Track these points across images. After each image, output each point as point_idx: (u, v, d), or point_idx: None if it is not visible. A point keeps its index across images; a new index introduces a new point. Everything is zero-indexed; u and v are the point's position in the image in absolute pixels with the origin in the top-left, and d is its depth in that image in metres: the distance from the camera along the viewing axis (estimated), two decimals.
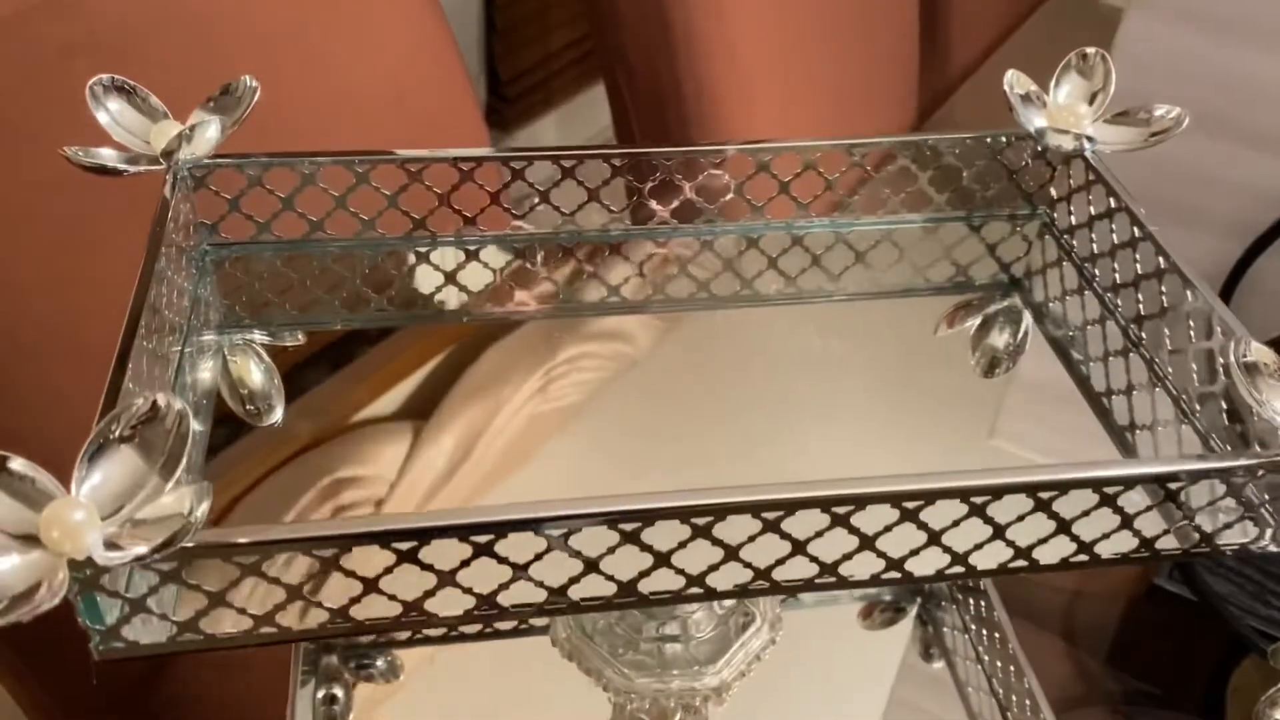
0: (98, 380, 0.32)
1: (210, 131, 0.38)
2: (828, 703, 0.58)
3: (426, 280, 0.44)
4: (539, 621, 0.51)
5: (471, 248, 0.44)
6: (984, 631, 0.57)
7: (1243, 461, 0.31)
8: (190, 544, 0.26)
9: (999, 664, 0.55)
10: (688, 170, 0.43)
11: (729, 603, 0.44)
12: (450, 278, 0.44)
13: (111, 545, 0.25)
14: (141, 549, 0.25)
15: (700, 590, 0.30)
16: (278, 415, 0.44)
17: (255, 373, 0.44)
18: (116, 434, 0.27)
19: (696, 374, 0.48)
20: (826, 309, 0.47)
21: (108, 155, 0.37)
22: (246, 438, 0.45)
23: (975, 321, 0.48)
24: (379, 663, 0.56)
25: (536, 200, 0.43)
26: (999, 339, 0.48)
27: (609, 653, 0.43)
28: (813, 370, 0.48)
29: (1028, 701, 0.53)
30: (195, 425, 0.39)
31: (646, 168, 0.42)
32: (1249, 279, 0.63)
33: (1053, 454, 0.46)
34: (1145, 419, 0.40)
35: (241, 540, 0.27)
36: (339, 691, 0.54)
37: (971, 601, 0.57)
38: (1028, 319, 0.47)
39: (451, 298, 0.45)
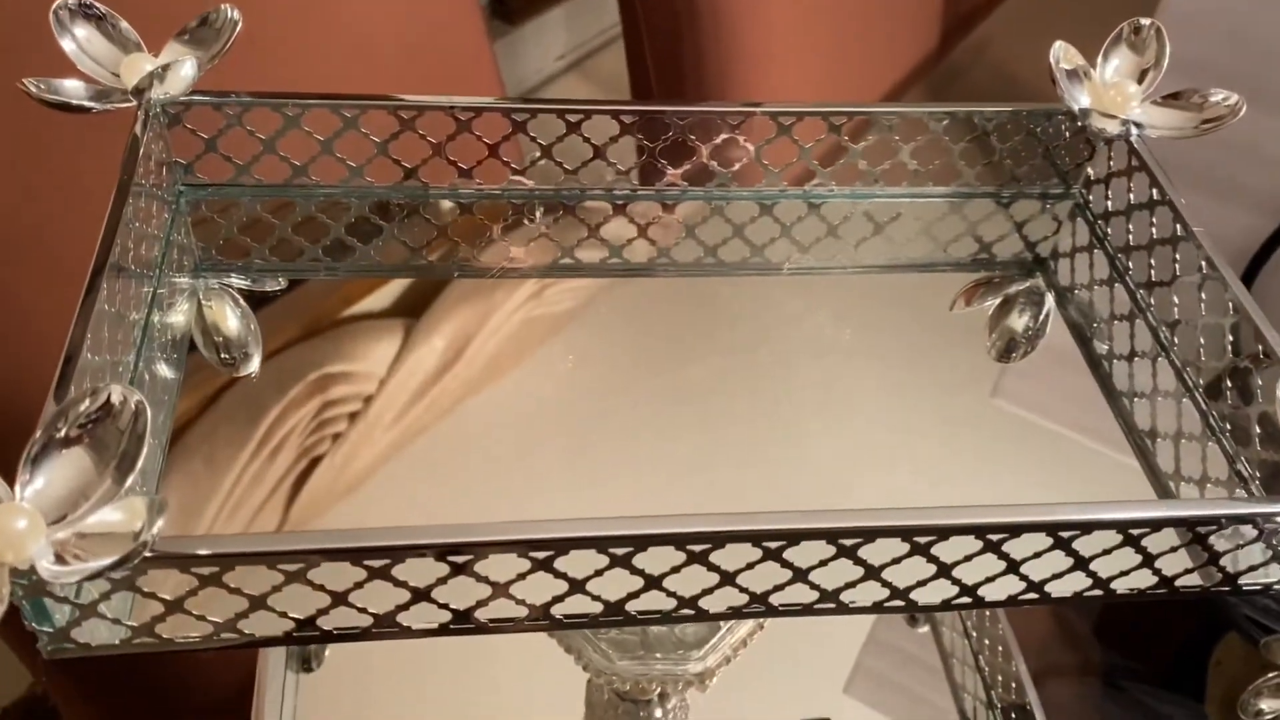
0: (68, 294, 0.30)
1: (185, 70, 0.34)
2: (797, 670, 0.57)
3: (418, 232, 0.41)
4: None
5: (466, 201, 0.41)
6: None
7: (1273, 508, 0.29)
8: (148, 553, 0.24)
9: (987, 641, 0.54)
10: (701, 131, 0.40)
11: None
12: (444, 231, 0.41)
13: (60, 556, 0.23)
14: (90, 566, 0.23)
15: (691, 612, 0.29)
16: (254, 365, 0.41)
17: (231, 319, 0.42)
18: (64, 433, 0.24)
19: (692, 285, 0.45)
20: (840, 279, 0.45)
21: (73, 90, 0.34)
22: None
23: (995, 301, 0.45)
24: None
25: (539, 154, 0.40)
26: (1018, 321, 0.45)
27: (591, 631, 0.42)
28: (819, 330, 0.46)
29: (1014, 684, 0.52)
30: (169, 373, 0.38)
31: (658, 126, 0.39)
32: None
33: (1054, 417, 0.44)
34: (1169, 428, 0.38)
35: (201, 552, 0.25)
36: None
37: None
38: (1050, 302, 0.45)
39: (444, 251, 0.42)
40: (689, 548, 0.27)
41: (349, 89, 0.38)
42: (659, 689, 0.43)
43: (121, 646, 0.27)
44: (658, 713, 0.45)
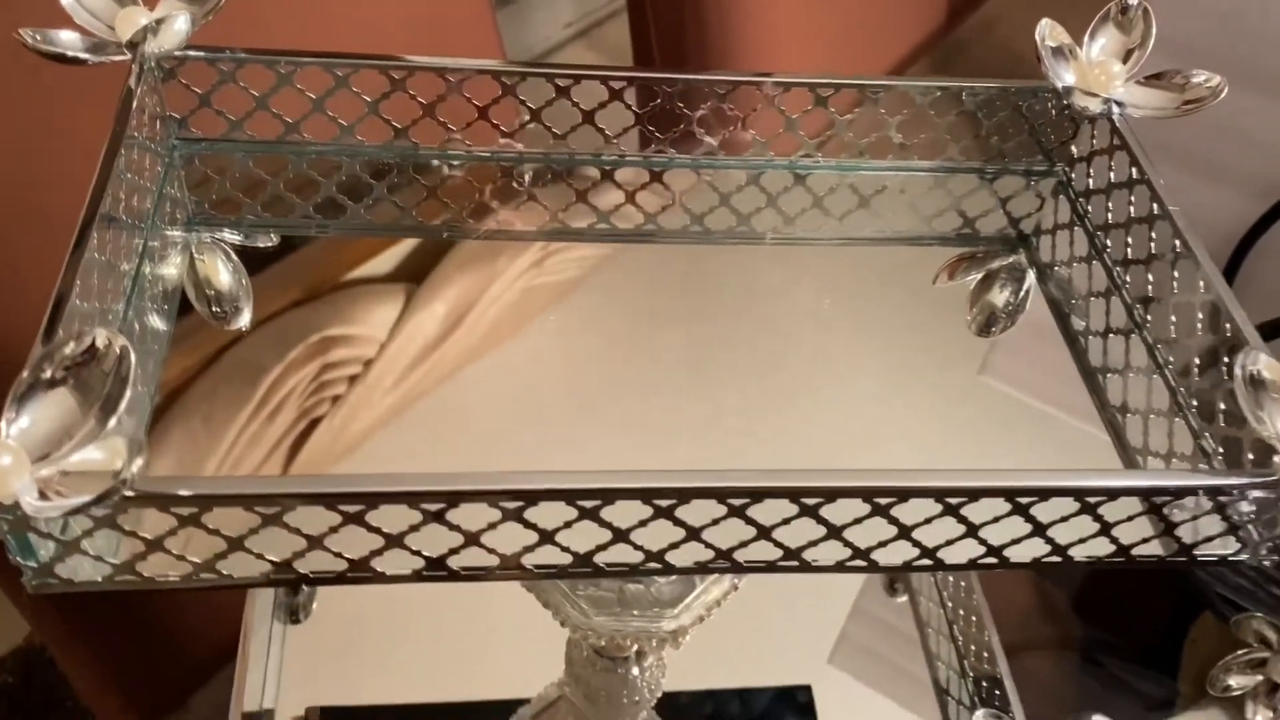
0: (63, 242, 0.31)
1: (179, 24, 0.35)
2: (780, 639, 0.58)
3: (408, 193, 0.42)
4: None
5: (456, 163, 0.41)
6: (950, 578, 0.57)
7: (1234, 480, 0.29)
8: (130, 493, 0.25)
9: (962, 611, 0.55)
10: (689, 99, 0.40)
11: None
12: (433, 192, 0.42)
13: (43, 493, 0.24)
14: (72, 501, 0.24)
15: (658, 565, 0.30)
16: (245, 319, 0.42)
17: (223, 273, 0.42)
18: (49, 375, 0.25)
19: (691, 254, 0.46)
20: (825, 250, 0.45)
21: (68, 41, 0.35)
22: None
23: (977, 275, 0.46)
24: None
25: (528, 118, 0.40)
26: (999, 296, 0.46)
27: (568, 587, 0.42)
28: (810, 298, 0.46)
29: (985, 654, 0.53)
30: (160, 325, 0.39)
31: (648, 94, 0.40)
32: (1267, 240, 0.61)
33: (1041, 395, 0.45)
34: (1139, 404, 0.38)
35: (181, 493, 0.26)
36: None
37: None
38: (1031, 278, 0.45)
39: (434, 212, 0.42)
40: (655, 502, 0.28)
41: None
42: (635, 646, 0.44)
43: (104, 584, 0.28)
44: (635, 670, 0.46)
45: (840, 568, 0.30)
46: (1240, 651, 0.57)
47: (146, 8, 0.36)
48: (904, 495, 0.28)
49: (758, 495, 0.28)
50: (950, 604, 0.56)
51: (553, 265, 0.46)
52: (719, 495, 0.28)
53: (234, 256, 0.42)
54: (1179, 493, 0.29)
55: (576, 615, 0.42)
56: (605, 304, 0.45)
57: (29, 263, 0.49)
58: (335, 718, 0.53)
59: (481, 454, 0.40)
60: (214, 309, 0.42)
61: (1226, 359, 0.34)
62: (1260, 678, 0.57)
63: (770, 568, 0.30)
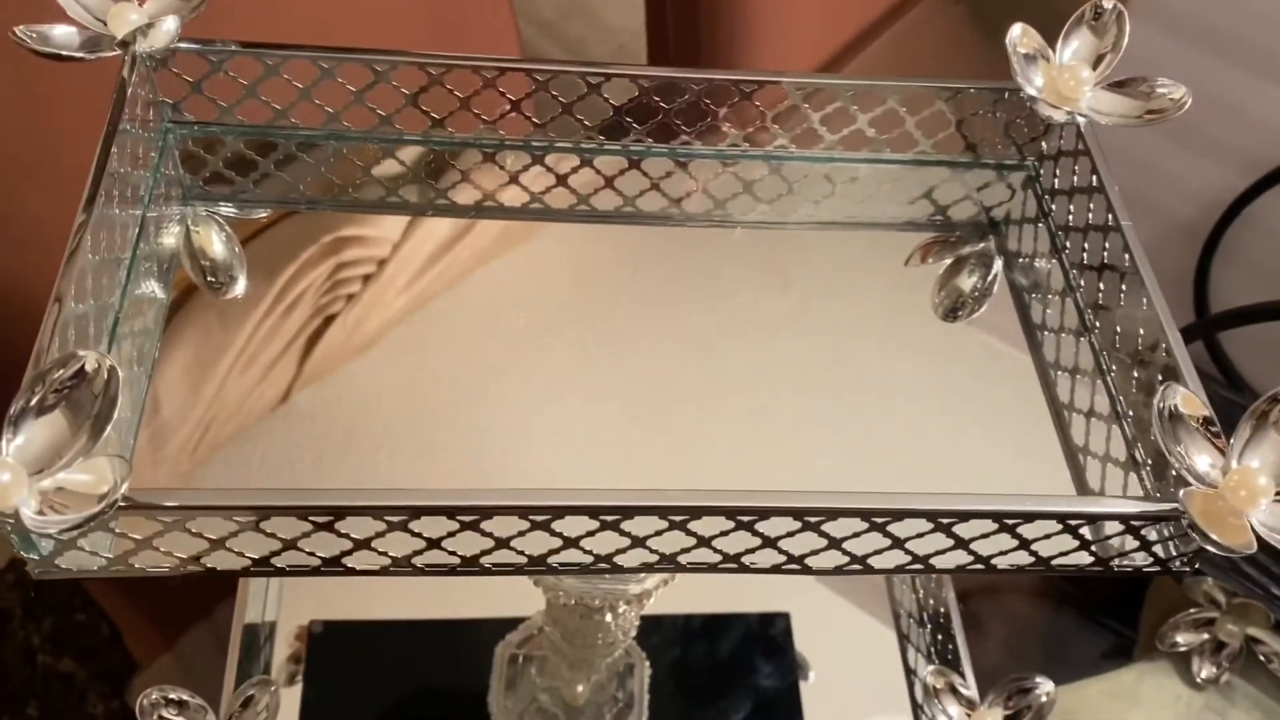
0: (69, 201, 0.33)
1: (168, 25, 0.36)
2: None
3: (392, 174, 0.44)
4: None
5: (438, 149, 0.43)
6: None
7: (1143, 508, 0.32)
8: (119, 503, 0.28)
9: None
10: (666, 93, 0.41)
11: None
12: (416, 174, 0.43)
13: (40, 509, 0.27)
14: (68, 519, 0.26)
15: (607, 566, 0.32)
16: (239, 288, 0.44)
17: (217, 243, 0.44)
18: (42, 398, 0.27)
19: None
20: (797, 234, 0.47)
21: (63, 39, 0.36)
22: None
23: (949, 259, 0.47)
24: None
25: (508, 108, 0.41)
26: (966, 281, 0.47)
27: None
28: (782, 286, 0.48)
29: (942, 609, 0.56)
30: (159, 293, 0.41)
31: (624, 86, 0.41)
32: (1254, 212, 0.62)
33: (1016, 344, 0.45)
34: (1082, 403, 0.40)
35: (167, 504, 0.28)
36: None
37: None
38: (998, 265, 0.47)
39: (414, 193, 0.44)
40: (602, 518, 0.30)
41: (363, 40, 0.40)
42: (604, 606, 0.47)
43: (99, 572, 0.31)
44: (608, 617, 0.49)
45: (776, 570, 0.33)
46: (1190, 610, 0.60)
47: (137, 3, 0.37)
48: (834, 514, 0.31)
49: (696, 513, 0.30)
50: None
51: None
52: (661, 512, 0.30)
53: (227, 227, 0.44)
54: (1092, 518, 0.31)
55: (547, 577, 0.45)
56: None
57: (46, 220, 0.51)
58: (335, 631, 0.57)
59: (490, 358, 0.41)
60: (209, 279, 0.44)
61: (1160, 376, 0.36)
62: (1207, 636, 0.60)
63: (711, 569, 0.33)
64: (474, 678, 0.56)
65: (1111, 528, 0.33)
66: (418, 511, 0.29)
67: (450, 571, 0.32)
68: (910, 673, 0.57)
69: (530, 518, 0.30)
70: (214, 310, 0.42)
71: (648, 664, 0.56)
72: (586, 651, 0.52)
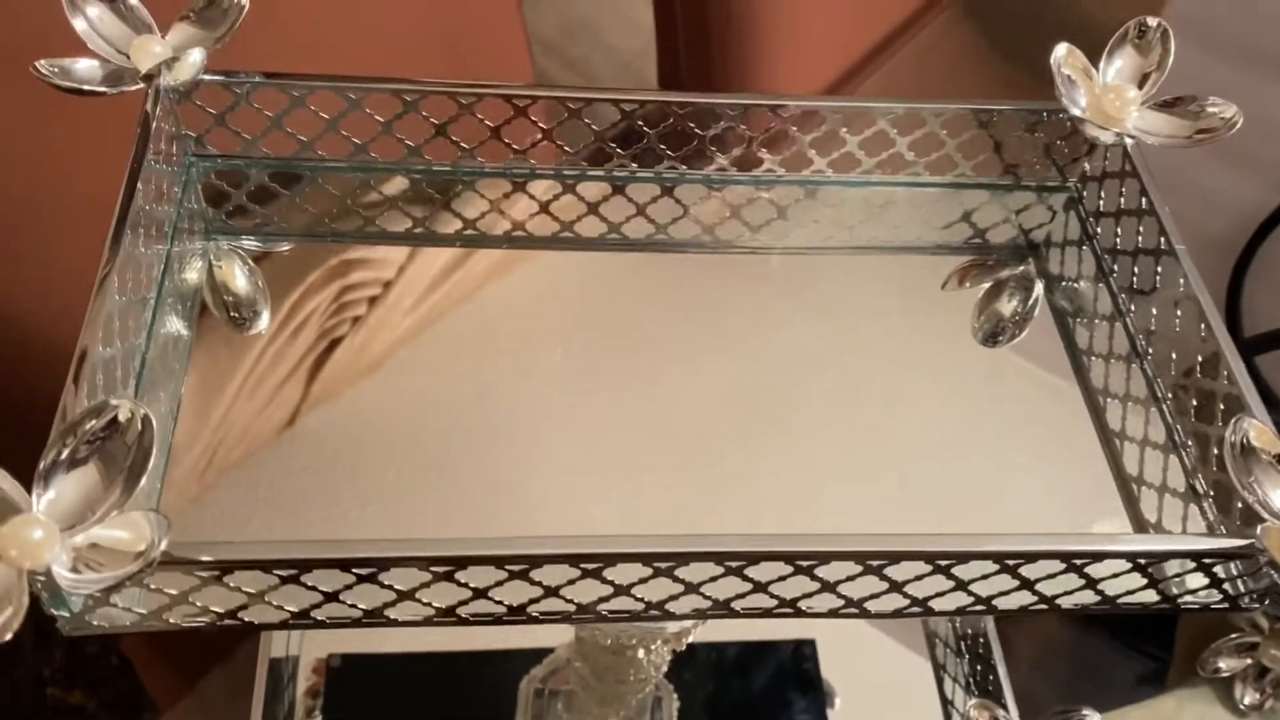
0: (94, 234, 0.32)
1: (193, 58, 0.35)
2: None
3: (420, 205, 0.43)
4: None
5: (467, 179, 0.42)
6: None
7: (1216, 545, 0.30)
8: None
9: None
10: (700, 119, 0.40)
11: None
12: (445, 204, 0.42)
13: (73, 565, 0.26)
14: (104, 577, 0.25)
15: (659, 614, 0.31)
16: (263, 323, 0.43)
17: (240, 278, 0.43)
18: (74, 450, 0.26)
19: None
20: (835, 258, 0.46)
21: (85, 73, 0.35)
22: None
23: (987, 282, 0.46)
24: None
25: (540, 136, 0.40)
26: (1006, 306, 0.46)
27: None
28: (818, 313, 0.47)
29: (981, 639, 0.54)
30: (182, 330, 0.40)
31: (658, 114, 0.40)
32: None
33: (1059, 371, 0.44)
34: (1135, 432, 0.39)
35: (203, 558, 0.27)
36: None
37: None
38: (1039, 289, 0.46)
39: (446, 223, 0.43)
40: (655, 565, 0.29)
41: (379, 68, 0.39)
42: (639, 645, 0.45)
43: (132, 628, 0.29)
44: (640, 654, 0.48)
45: (833, 614, 0.32)
46: (1232, 635, 0.59)
47: (160, 35, 0.36)
48: (895, 558, 0.29)
49: (754, 559, 0.29)
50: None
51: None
52: (718, 559, 0.29)
53: (250, 261, 0.43)
54: (1165, 557, 0.30)
55: None
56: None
57: (67, 256, 0.50)
58: (354, 665, 0.55)
59: (498, 378, 0.41)
60: (232, 314, 0.43)
61: (1222, 405, 0.35)
62: (1250, 661, 0.58)
63: (767, 614, 0.32)
64: (498, 713, 0.54)
65: (1179, 563, 0.31)
66: (464, 562, 0.28)
67: (495, 621, 0.31)
68: (948, 704, 0.56)
69: (582, 565, 0.28)
70: (220, 335, 0.41)
71: (676, 698, 0.55)
72: (617, 688, 0.51)
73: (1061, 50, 0.39)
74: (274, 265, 0.42)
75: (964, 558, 0.30)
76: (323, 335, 0.42)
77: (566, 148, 0.41)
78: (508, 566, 0.28)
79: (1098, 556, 0.30)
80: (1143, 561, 0.30)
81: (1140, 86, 0.40)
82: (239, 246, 0.43)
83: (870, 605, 0.31)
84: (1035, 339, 0.44)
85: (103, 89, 0.35)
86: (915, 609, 0.32)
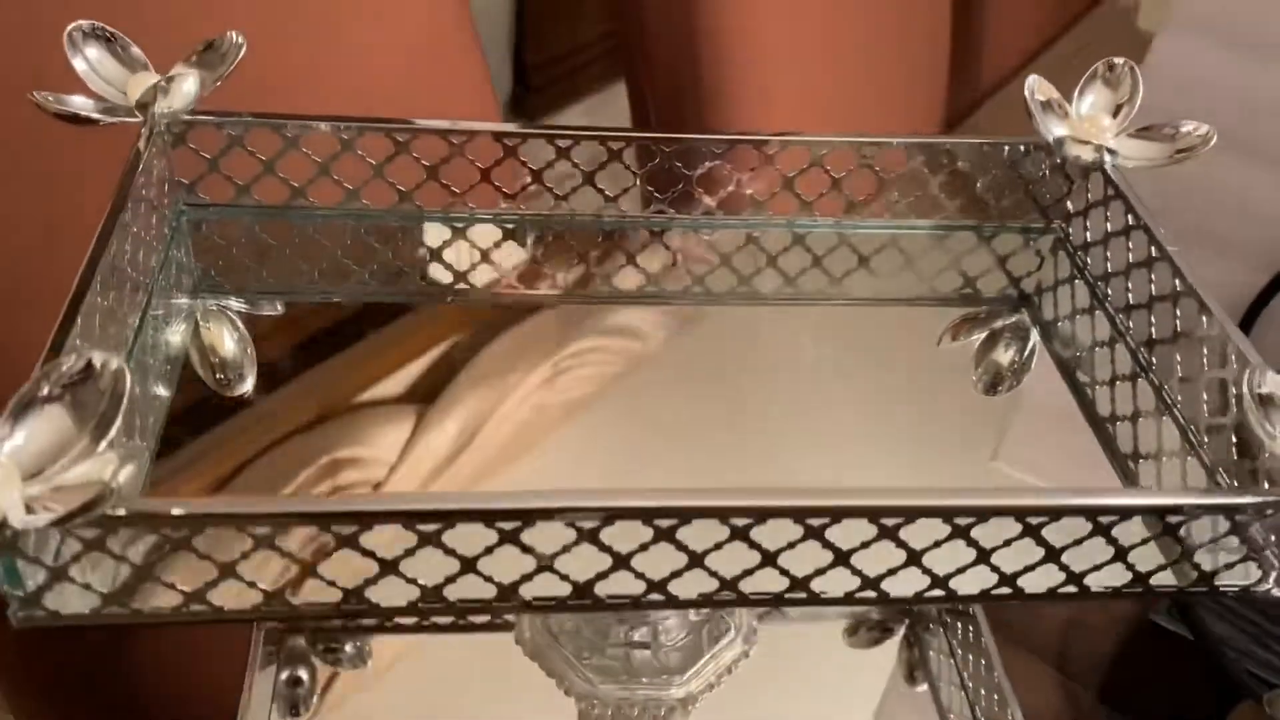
0: None
1: (188, 85, 0.36)
2: None
3: (410, 257, 0.43)
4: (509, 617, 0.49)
5: (459, 225, 0.42)
6: (970, 656, 0.55)
7: (1249, 499, 0.29)
8: (120, 512, 0.25)
9: (983, 691, 0.53)
10: (688, 159, 0.41)
11: (703, 611, 0.42)
12: (436, 255, 0.42)
13: (30, 508, 0.24)
14: (59, 511, 0.23)
15: (661, 597, 0.29)
16: (248, 386, 0.42)
17: (228, 341, 0.43)
18: (45, 392, 0.25)
19: (699, 373, 0.46)
20: (827, 312, 0.45)
21: (80, 104, 0.36)
22: (246, 412, 0.44)
23: (980, 336, 0.46)
24: (347, 648, 0.54)
25: (529, 180, 0.41)
26: (1004, 356, 0.46)
27: (573, 655, 0.41)
28: (813, 375, 0.47)
29: None
30: (161, 390, 0.39)
31: (647, 154, 0.41)
32: (1272, 310, 0.61)
33: (1056, 479, 0.44)
34: (1150, 448, 0.38)
35: (174, 512, 0.25)
36: (304, 674, 0.53)
37: (960, 625, 0.56)
38: (1035, 337, 0.45)
39: (437, 275, 0.43)
40: (656, 523, 0.27)
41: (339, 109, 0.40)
42: (644, 717, 0.42)
43: (92, 616, 0.27)
44: None
45: (850, 599, 0.29)
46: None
47: (159, 75, 0.37)
48: (910, 515, 0.28)
49: (762, 515, 0.27)
50: (971, 684, 0.54)
51: (563, 384, 0.46)
52: (721, 515, 0.27)
53: (239, 324, 0.43)
54: (1194, 511, 0.29)
55: (581, 684, 0.41)
56: (616, 421, 0.45)
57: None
58: None
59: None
60: (217, 376, 0.42)
61: (1234, 389, 0.34)
62: None
63: (778, 600, 0.29)
64: None
65: (1210, 529, 0.30)
66: (450, 518, 0.26)
67: (485, 606, 0.28)
68: None
69: (577, 525, 0.27)
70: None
71: None
72: None
73: (1032, 81, 0.41)
74: (264, 465, 0.42)
75: (983, 513, 0.28)
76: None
77: (557, 190, 0.41)
78: (498, 524, 0.26)
79: (1124, 512, 0.28)
80: (1173, 521, 0.29)
81: (1114, 117, 0.41)
82: (227, 307, 0.42)
83: (887, 585, 0.29)
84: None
85: (97, 116, 0.36)
86: (937, 590, 0.30)
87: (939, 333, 0.46)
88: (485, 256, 0.42)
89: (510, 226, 0.42)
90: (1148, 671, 0.63)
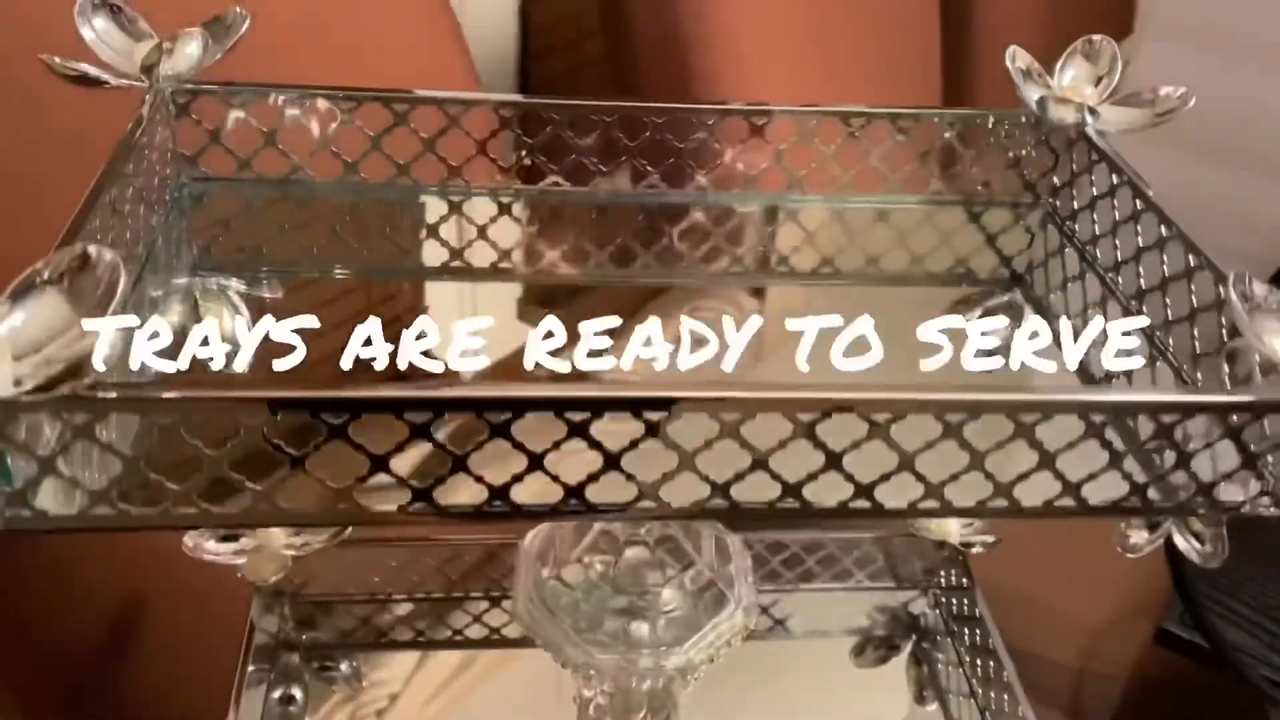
0: None
1: (191, 48, 0.37)
2: None
3: (408, 230, 0.43)
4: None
5: (455, 199, 0.43)
6: (979, 662, 0.54)
7: (1242, 398, 0.29)
8: (111, 395, 0.25)
9: (993, 695, 0.52)
10: (678, 131, 0.42)
11: (701, 581, 0.41)
12: (432, 230, 0.43)
13: (19, 382, 0.24)
14: (39, 380, 0.24)
15: (652, 504, 0.28)
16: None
17: (227, 319, 0.43)
18: (45, 277, 0.25)
19: None
20: (820, 290, 0.46)
21: (88, 68, 0.37)
22: None
23: (975, 315, 0.46)
24: (343, 666, 0.53)
25: (524, 153, 0.42)
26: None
27: (571, 629, 0.41)
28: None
29: None
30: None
31: (637, 125, 0.42)
32: None
33: None
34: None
35: (167, 395, 0.25)
36: (297, 693, 0.52)
37: (967, 632, 0.55)
38: (1029, 313, 0.45)
39: (432, 252, 0.43)
40: (647, 416, 0.27)
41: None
42: (641, 689, 0.41)
43: (78, 518, 0.27)
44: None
45: (844, 510, 0.29)
46: None
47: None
48: (899, 410, 0.28)
49: (751, 409, 0.27)
50: (981, 690, 0.53)
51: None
52: (711, 408, 0.27)
53: (242, 306, 0.43)
54: (1187, 409, 0.28)
55: (579, 655, 0.40)
56: None
57: None
58: None
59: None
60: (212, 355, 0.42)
61: (1223, 318, 0.34)
62: None
63: (770, 511, 0.29)
64: None
65: (1205, 434, 0.29)
66: (440, 406, 0.26)
67: (475, 512, 0.28)
68: None
69: (566, 416, 0.27)
70: None
71: None
72: None
73: (1013, 50, 0.42)
74: None
75: (974, 409, 0.28)
76: None
77: (551, 165, 0.42)
78: (487, 415, 0.26)
79: (1115, 409, 0.28)
80: (1168, 420, 0.29)
81: (1095, 87, 0.42)
82: (227, 286, 0.43)
83: (879, 493, 0.29)
84: None
85: (104, 76, 0.37)
86: (931, 500, 0.29)
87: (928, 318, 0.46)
88: (482, 233, 0.43)
89: (506, 200, 0.43)
90: (1163, 686, 0.61)
